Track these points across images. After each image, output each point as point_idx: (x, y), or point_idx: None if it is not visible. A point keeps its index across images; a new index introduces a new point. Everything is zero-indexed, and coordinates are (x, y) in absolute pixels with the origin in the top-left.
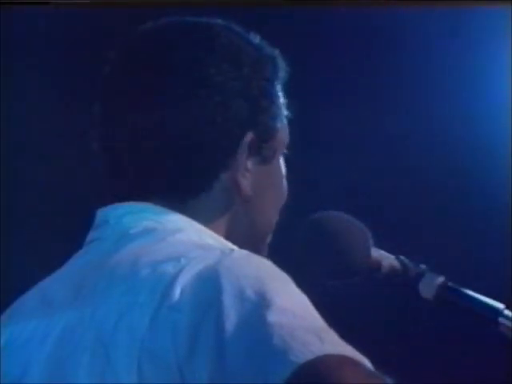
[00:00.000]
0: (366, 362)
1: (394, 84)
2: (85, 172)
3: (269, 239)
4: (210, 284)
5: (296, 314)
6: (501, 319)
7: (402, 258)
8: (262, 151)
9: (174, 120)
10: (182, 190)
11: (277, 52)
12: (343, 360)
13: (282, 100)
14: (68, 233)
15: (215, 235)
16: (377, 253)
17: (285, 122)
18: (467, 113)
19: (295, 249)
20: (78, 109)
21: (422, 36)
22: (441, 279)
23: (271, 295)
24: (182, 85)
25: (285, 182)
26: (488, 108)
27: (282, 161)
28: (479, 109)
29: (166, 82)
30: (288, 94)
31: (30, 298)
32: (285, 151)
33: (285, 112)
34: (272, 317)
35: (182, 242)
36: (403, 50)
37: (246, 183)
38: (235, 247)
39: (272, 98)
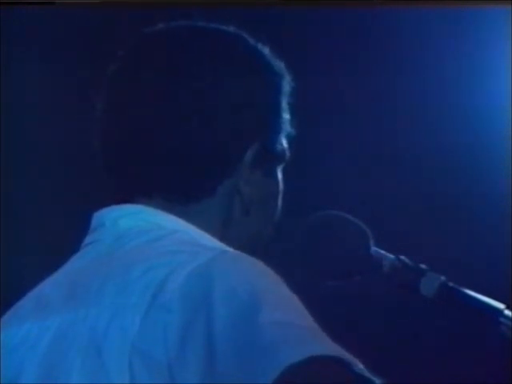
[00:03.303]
0: (356, 363)
1: (394, 84)
2: (84, 174)
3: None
4: (200, 284)
5: (286, 315)
6: (501, 319)
7: (402, 257)
8: (265, 163)
9: (181, 124)
10: (185, 193)
11: (283, 65)
12: (331, 361)
13: (287, 116)
14: (68, 235)
15: (209, 236)
16: (377, 253)
17: (286, 137)
18: (467, 113)
19: (295, 249)
20: (79, 110)
21: (421, 36)
22: (441, 279)
23: (262, 295)
24: (191, 91)
25: (280, 198)
26: (488, 108)
27: (280, 176)
28: (479, 109)
29: (175, 87)
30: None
31: (26, 301)
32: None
33: (288, 129)
34: (262, 317)
35: (174, 242)
36: (403, 50)
37: (248, 192)
38: (228, 248)
39: (279, 111)
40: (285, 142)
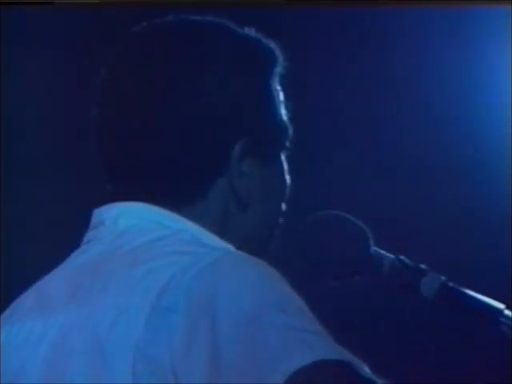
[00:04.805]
0: (363, 367)
1: (394, 84)
2: (84, 171)
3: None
4: (206, 285)
5: (292, 318)
6: (501, 319)
7: (402, 257)
8: (259, 154)
9: (169, 125)
10: (178, 197)
11: (273, 45)
12: (340, 365)
13: (280, 98)
14: (68, 232)
15: (212, 235)
16: (377, 253)
17: (285, 120)
18: (467, 113)
19: (295, 249)
20: (79, 109)
21: (421, 36)
22: (441, 279)
23: (267, 298)
24: (175, 91)
25: (287, 177)
26: (488, 108)
27: (283, 157)
28: (479, 109)
29: (160, 86)
30: (288, 93)
31: (27, 298)
32: (287, 146)
33: (283, 111)
34: (268, 320)
35: (178, 242)
36: (403, 50)
37: (241, 187)
38: (232, 248)
39: (269, 99)
40: (284, 124)
